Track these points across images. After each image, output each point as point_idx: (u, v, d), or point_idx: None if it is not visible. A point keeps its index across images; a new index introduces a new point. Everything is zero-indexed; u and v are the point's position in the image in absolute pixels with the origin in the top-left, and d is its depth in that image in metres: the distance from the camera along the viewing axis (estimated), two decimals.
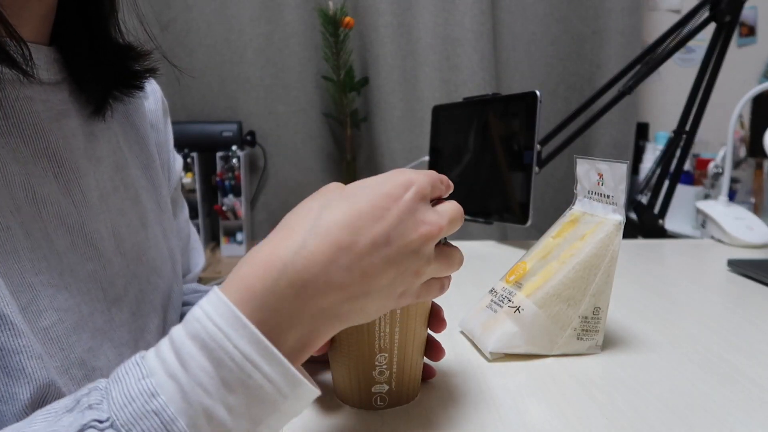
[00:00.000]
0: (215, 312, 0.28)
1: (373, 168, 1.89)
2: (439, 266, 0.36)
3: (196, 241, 0.68)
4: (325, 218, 0.31)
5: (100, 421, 0.26)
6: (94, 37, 0.45)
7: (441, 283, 0.38)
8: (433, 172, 0.36)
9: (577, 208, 0.53)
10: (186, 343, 0.28)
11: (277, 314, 0.29)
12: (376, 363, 0.39)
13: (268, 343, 0.28)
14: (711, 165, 1.60)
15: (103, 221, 0.44)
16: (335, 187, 0.35)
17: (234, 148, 1.75)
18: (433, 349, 0.43)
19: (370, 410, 0.41)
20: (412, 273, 0.33)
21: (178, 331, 0.29)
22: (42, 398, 0.35)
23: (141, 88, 0.50)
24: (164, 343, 0.29)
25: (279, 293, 0.29)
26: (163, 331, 0.51)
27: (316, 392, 0.30)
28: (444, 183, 0.37)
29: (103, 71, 0.46)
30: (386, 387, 0.40)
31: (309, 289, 0.30)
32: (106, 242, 0.44)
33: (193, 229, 0.68)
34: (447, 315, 0.42)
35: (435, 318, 0.41)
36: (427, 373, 0.45)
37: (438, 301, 0.39)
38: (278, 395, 0.28)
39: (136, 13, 0.48)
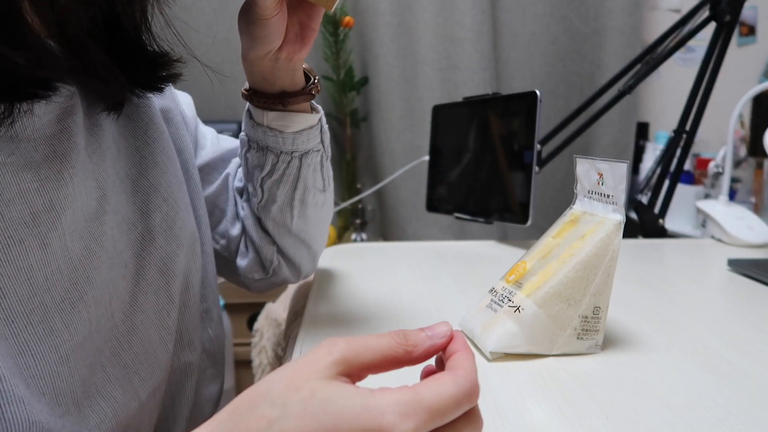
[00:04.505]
0: None
1: (373, 168, 1.89)
2: None
3: (224, 137, 0.69)
4: None
5: None
6: (120, 42, 0.44)
7: None
8: (436, 406, 0.27)
9: (577, 208, 0.53)
10: None
11: None
12: None
13: None
14: (711, 164, 1.60)
15: (108, 222, 0.44)
16: (301, 380, 0.28)
17: None
18: None
19: None
20: None
21: None
22: None
23: (161, 90, 0.50)
24: None
25: None
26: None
27: None
28: (467, 399, 0.29)
29: (125, 76, 0.44)
30: None
31: None
32: (110, 244, 0.44)
33: (221, 136, 0.69)
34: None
35: None
36: None
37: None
38: None
39: (165, 20, 0.48)
